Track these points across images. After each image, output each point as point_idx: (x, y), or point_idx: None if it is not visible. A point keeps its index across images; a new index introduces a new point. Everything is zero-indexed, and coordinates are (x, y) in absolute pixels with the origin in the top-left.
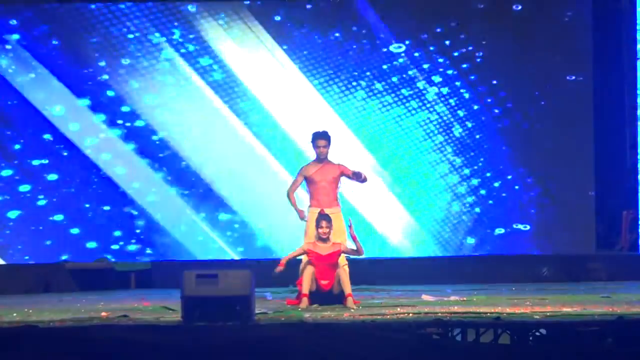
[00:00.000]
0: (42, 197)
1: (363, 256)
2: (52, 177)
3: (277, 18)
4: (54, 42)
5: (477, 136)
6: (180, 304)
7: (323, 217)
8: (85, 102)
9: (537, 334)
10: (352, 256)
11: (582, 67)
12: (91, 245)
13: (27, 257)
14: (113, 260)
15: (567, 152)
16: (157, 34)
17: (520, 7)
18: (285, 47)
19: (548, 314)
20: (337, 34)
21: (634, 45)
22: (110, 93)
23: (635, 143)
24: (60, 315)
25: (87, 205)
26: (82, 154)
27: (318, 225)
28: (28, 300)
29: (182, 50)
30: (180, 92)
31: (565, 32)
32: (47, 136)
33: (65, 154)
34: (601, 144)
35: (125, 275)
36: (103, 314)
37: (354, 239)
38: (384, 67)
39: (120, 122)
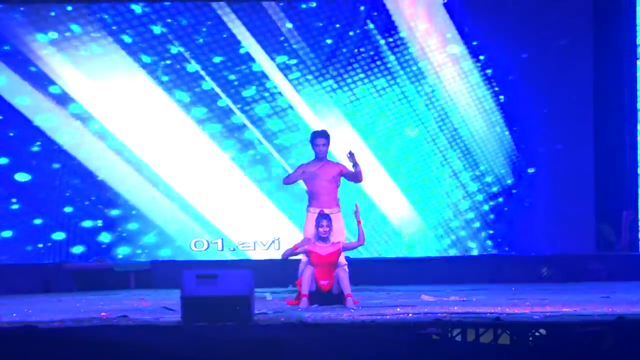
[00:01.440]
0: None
1: (363, 245)
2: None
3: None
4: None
5: (477, 136)
6: (180, 304)
7: (323, 216)
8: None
9: (537, 334)
10: (351, 249)
11: (582, 67)
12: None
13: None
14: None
15: (567, 152)
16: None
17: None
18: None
19: (548, 314)
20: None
21: (634, 46)
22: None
23: (635, 143)
24: (59, 316)
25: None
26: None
27: (318, 225)
28: (28, 300)
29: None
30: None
31: (565, 34)
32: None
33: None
34: (601, 144)
35: (125, 275)
36: (102, 314)
37: (358, 223)
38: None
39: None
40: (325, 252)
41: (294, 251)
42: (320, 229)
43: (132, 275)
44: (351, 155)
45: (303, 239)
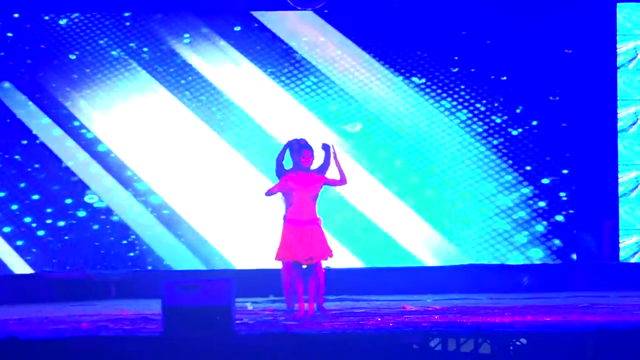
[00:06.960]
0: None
1: (346, 184)
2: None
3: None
4: None
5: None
6: (161, 314)
7: (306, 146)
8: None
9: (518, 343)
10: (334, 185)
11: (562, 76)
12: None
13: None
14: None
15: (550, 161)
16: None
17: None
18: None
19: (528, 323)
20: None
21: (614, 54)
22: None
23: (615, 152)
24: (40, 326)
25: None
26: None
27: (301, 155)
28: (7, 311)
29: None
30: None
31: (550, 41)
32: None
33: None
34: (587, 152)
35: (105, 285)
36: (83, 324)
37: (337, 165)
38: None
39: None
40: (307, 183)
41: (278, 189)
42: (303, 159)
43: (113, 285)
44: (326, 149)
45: (282, 177)
